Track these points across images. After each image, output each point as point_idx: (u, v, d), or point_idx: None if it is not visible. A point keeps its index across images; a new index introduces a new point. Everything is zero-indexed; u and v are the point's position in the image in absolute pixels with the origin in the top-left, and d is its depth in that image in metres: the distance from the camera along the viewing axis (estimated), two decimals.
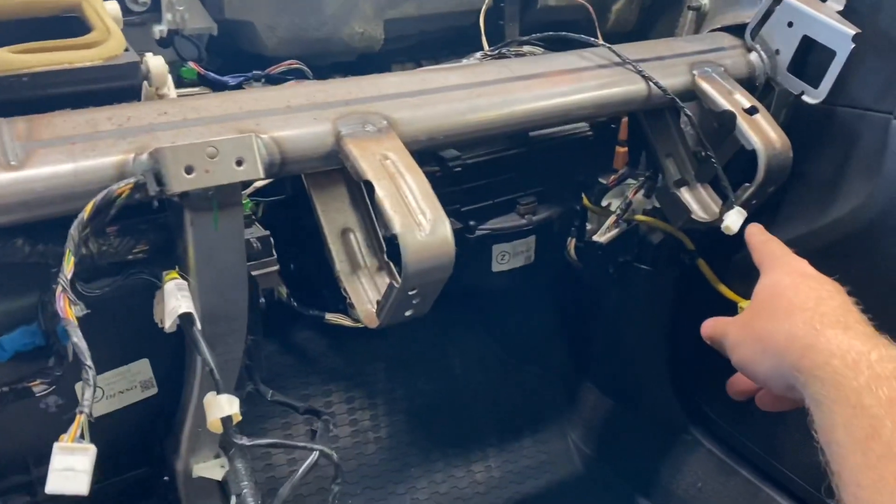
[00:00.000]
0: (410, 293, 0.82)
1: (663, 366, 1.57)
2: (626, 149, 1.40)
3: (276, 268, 1.03)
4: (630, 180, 1.37)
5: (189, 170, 0.70)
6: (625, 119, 1.34)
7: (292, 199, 1.05)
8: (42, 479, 0.58)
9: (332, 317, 1.36)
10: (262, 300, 1.04)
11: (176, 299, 0.73)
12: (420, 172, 0.80)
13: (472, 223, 1.28)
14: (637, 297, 1.57)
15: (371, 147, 0.81)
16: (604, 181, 1.39)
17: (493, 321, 1.71)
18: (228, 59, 1.16)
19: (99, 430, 0.91)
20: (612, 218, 1.38)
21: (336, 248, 0.92)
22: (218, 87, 1.07)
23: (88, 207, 0.65)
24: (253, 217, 1.01)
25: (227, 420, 0.73)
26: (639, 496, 1.57)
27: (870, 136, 1.08)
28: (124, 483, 0.99)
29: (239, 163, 0.72)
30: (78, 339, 0.61)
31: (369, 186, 0.79)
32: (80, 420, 0.57)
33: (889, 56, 1.05)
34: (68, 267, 0.63)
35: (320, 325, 1.53)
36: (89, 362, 0.60)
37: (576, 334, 1.75)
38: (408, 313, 0.86)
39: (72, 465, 0.54)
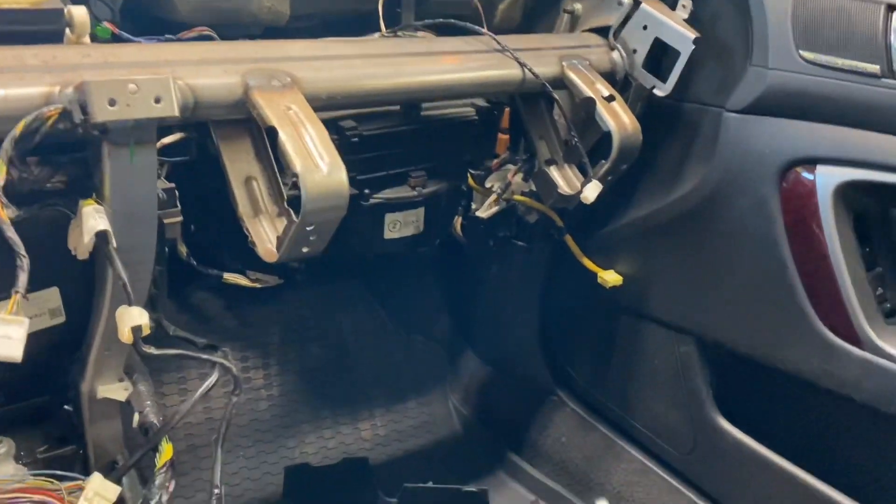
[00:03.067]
0: (308, 229, 0.93)
1: (534, 334, 1.74)
2: (507, 136, 1.56)
3: (179, 219, 1.11)
4: (510, 165, 1.53)
5: (112, 102, 0.78)
6: (507, 109, 1.50)
7: (196, 161, 1.13)
8: None
9: (229, 276, 1.45)
10: (165, 249, 1.12)
11: (94, 220, 0.82)
12: (320, 123, 0.92)
13: (366, 191, 1.40)
14: (514, 270, 1.73)
15: (276, 99, 0.91)
16: (488, 164, 1.55)
17: (383, 292, 1.83)
18: (141, 24, 1.23)
19: None
20: (494, 197, 1.53)
21: (240, 193, 1.02)
22: None
23: (21, 125, 0.73)
24: (158, 173, 1.08)
25: (137, 330, 0.82)
26: (510, 452, 1.72)
27: (707, 127, 1.28)
28: (27, 408, 1.04)
29: (157, 100, 0.81)
30: (12, 234, 0.69)
31: (273, 133, 0.90)
32: (16, 298, 0.65)
33: (723, 59, 1.26)
34: (1, 175, 0.71)
35: (218, 287, 1.61)
36: (23, 252, 0.68)
37: (459, 305, 1.89)
38: (304, 249, 0.96)
39: (8, 333, 0.62)
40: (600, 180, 1.25)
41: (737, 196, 1.25)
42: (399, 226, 1.49)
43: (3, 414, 1.02)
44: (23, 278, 0.67)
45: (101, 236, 0.82)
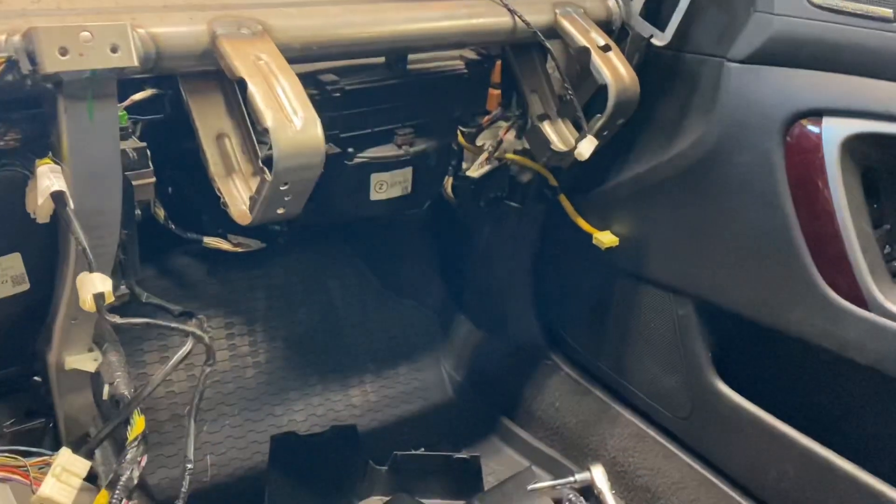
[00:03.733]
0: (282, 188, 0.87)
1: (528, 297, 1.69)
2: (499, 91, 1.49)
3: (152, 179, 1.05)
4: (501, 122, 1.47)
5: (63, 51, 0.72)
6: (498, 63, 1.42)
7: (171, 120, 1.07)
8: None
9: (210, 240, 1.39)
10: (138, 212, 1.06)
11: (49, 179, 0.76)
12: (293, 74, 0.85)
13: (350, 150, 1.34)
14: (506, 232, 1.67)
15: (245, 48, 0.85)
16: (479, 121, 1.48)
17: (371, 255, 1.78)
18: None
19: None
20: (485, 155, 1.47)
21: (211, 151, 0.96)
22: None
23: None
24: (130, 132, 1.02)
25: (99, 297, 0.77)
26: (503, 417, 1.68)
27: (707, 78, 1.22)
28: None
29: (114, 49, 0.75)
30: None
31: (242, 85, 0.83)
32: None
33: (725, 6, 1.18)
34: None
35: (199, 252, 1.55)
36: None
37: (450, 268, 1.84)
38: (280, 211, 0.91)
39: None
40: (596, 136, 1.19)
41: (738, 151, 1.19)
42: (386, 186, 1.43)
43: None
44: None
45: (58, 197, 0.77)
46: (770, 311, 1.21)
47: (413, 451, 1.41)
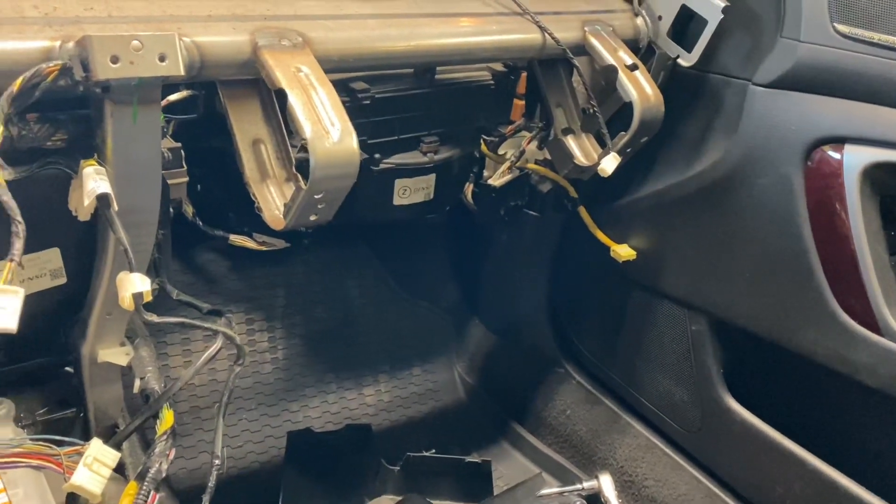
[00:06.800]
0: (316, 197, 0.89)
1: (543, 305, 1.71)
2: (523, 102, 1.51)
3: (185, 179, 1.09)
4: (524, 132, 1.49)
5: (114, 59, 0.75)
6: (524, 74, 1.45)
7: (203, 119, 1.10)
8: None
9: (236, 238, 1.42)
10: (171, 209, 1.09)
11: (94, 181, 0.79)
12: (331, 86, 0.88)
13: (377, 156, 1.36)
14: (524, 240, 1.70)
15: (286, 59, 0.87)
16: (502, 131, 1.51)
17: (389, 257, 1.80)
18: None
19: None
20: (507, 164, 1.50)
21: (247, 156, 0.99)
22: None
23: (18, 82, 0.69)
24: (165, 131, 1.05)
25: (138, 296, 0.79)
26: (514, 422, 1.71)
27: (731, 100, 1.24)
28: (27, 370, 1.03)
29: (161, 58, 0.78)
30: (7, 198, 0.66)
31: (282, 96, 0.86)
32: (11, 266, 0.62)
33: (752, 30, 1.20)
34: None
35: (224, 248, 1.58)
36: (19, 218, 0.65)
37: (467, 273, 1.87)
38: (312, 218, 0.94)
39: (3, 304, 0.59)
40: (619, 153, 1.21)
41: (759, 173, 1.20)
42: (409, 192, 1.46)
43: (3, 375, 1.00)
44: (18, 245, 0.64)
45: (102, 199, 0.79)
46: (783, 330, 1.23)
47: (425, 453, 1.43)
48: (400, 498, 1.39)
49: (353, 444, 1.43)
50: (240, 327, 1.57)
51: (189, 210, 1.27)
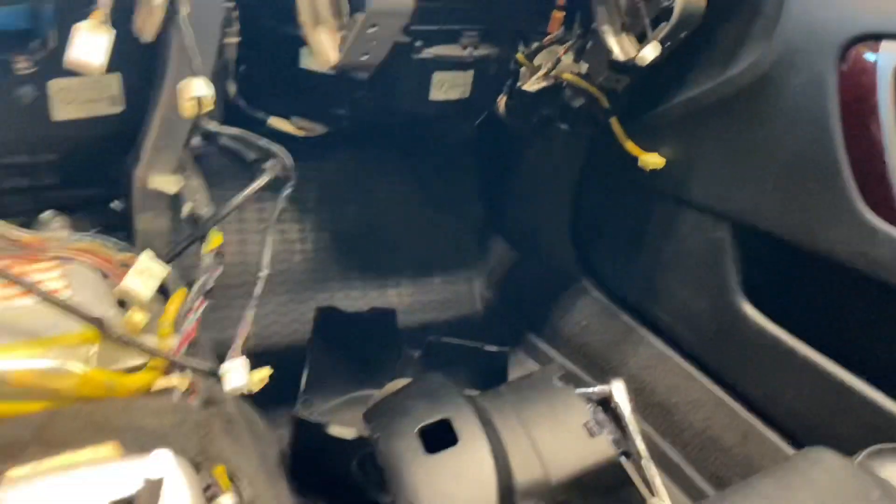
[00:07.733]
0: (370, 32, 0.93)
1: (565, 222, 1.75)
2: (562, 14, 1.54)
3: (237, 39, 1.12)
4: (559, 46, 1.52)
5: None
6: None
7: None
8: None
9: (274, 120, 1.45)
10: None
11: None
12: None
13: (417, 44, 1.39)
14: (552, 156, 1.73)
15: None
16: (539, 41, 1.54)
17: (419, 168, 1.83)
18: None
19: (63, 135, 0.99)
20: (542, 71, 1.53)
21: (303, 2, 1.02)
22: None
23: None
24: None
25: (198, 101, 0.83)
26: (529, 332, 1.75)
27: (772, 1, 1.26)
28: (79, 196, 1.07)
29: None
30: None
31: None
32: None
33: None
34: None
35: (263, 135, 1.62)
36: None
37: (493, 192, 1.90)
38: (364, 57, 0.97)
39: (91, 42, 0.63)
40: (659, 43, 1.24)
41: (793, 75, 1.23)
42: (446, 87, 1.49)
43: (57, 198, 1.04)
44: None
45: (172, 5, 0.83)
46: (807, 231, 1.25)
47: (446, 339, 1.47)
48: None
49: (377, 326, 1.48)
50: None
51: (232, 88, 1.31)
